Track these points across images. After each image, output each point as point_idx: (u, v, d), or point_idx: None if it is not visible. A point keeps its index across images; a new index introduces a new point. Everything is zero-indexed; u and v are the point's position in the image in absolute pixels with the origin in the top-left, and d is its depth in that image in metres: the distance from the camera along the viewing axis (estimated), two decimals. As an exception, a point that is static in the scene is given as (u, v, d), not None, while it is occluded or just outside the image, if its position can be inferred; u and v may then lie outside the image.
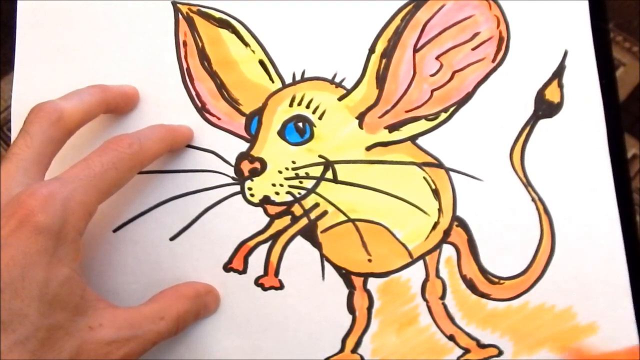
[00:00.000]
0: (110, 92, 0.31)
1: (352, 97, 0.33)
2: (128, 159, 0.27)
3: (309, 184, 0.32)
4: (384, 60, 0.33)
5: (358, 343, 0.32)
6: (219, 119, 0.33)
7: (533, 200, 0.32)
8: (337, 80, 0.33)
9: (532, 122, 0.32)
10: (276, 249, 0.32)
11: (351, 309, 0.32)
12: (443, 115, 0.32)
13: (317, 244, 0.32)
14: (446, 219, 0.32)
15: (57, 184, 0.25)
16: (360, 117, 0.33)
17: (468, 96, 0.32)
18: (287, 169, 0.32)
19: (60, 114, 0.27)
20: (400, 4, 0.33)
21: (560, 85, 0.32)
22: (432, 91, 0.32)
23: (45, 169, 0.27)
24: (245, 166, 0.32)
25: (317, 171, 0.32)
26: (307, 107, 0.33)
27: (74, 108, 0.28)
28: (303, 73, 0.33)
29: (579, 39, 0.33)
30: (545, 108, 0.32)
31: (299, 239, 0.32)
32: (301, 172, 0.32)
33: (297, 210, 0.32)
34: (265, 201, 0.32)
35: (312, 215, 0.32)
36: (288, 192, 0.32)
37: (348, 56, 0.33)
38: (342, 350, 0.32)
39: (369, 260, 0.32)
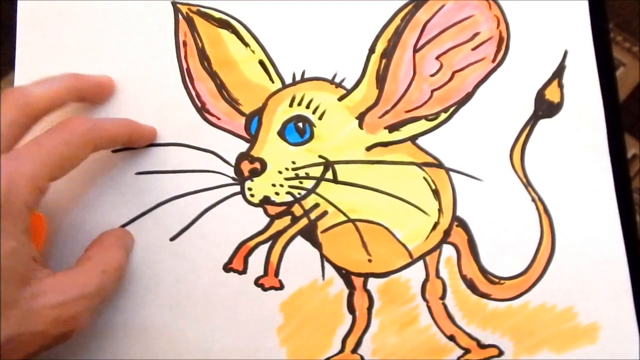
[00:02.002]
0: (83, 80, 0.31)
1: (352, 97, 0.33)
2: (80, 135, 0.28)
3: (309, 184, 0.32)
4: (384, 61, 0.33)
5: (358, 343, 0.32)
6: (218, 119, 0.33)
7: (533, 200, 0.32)
8: (337, 80, 0.33)
9: (532, 122, 0.32)
10: (276, 249, 0.32)
11: (351, 309, 0.32)
12: (443, 116, 0.32)
13: (317, 244, 0.32)
14: (446, 219, 0.32)
15: (4, 160, 0.26)
16: (360, 117, 0.33)
17: (468, 96, 0.32)
18: (287, 169, 0.32)
19: (25, 99, 0.28)
20: (400, 4, 0.33)
21: (560, 85, 0.33)
22: (432, 91, 0.32)
23: (7, 150, 0.28)
24: (245, 166, 0.32)
25: (317, 171, 0.32)
26: (307, 107, 0.33)
27: (41, 93, 0.28)
28: (303, 73, 0.33)
29: (579, 39, 0.33)
30: (545, 108, 0.32)
31: (299, 239, 0.32)
32: (301, 173, 0.32)
33: (297, 210, 0.32)
34: (265, 201, 0.32)
35: (312, 216, 0.32)
36: (288, 193, 0.32)
37: (348, 56, 0.33)
38: (342, 350, 0.32)
39: (369, 261, 0.32)
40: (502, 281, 0.32)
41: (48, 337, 0.26)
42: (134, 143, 0.32)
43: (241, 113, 0.33)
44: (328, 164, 0.32)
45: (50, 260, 0.32)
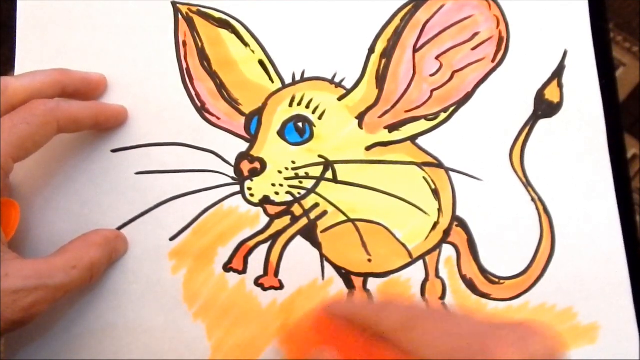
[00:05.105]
0: (69, 76, 0.31)
1: (352, 97, 0.33)
2: (41, 115, 0.28)
3: (308, 184, 0.32)
4: (383, 60, 0.33)
5: (358, 343, 0.32)
6: (218, 118, 0.33)
7: (533, 200, 0.32)
8: (337, 80, 0.33)
9: (531, 122, 0.32)
10: (276, 249, 0.32)
11: (351, 309, 0.32)
12: (443, 115, 0.32)
13: (317, 244, 0.32)
14: (446, 219, 0.32)
15: None
16: (360, 117, 0.33)
17: (468, 96, 0.32)
18: (286, 169, 0.32)
19: (4, 89, 0.28)
20: (399, 4, 0.33)
21: (560, 85, 0.33)
22: (432, 91, 0.32)
23: None
24: (245, 166, 0.32)
25: (317, 171, 0.32)
26: (307, 107, 0.33)
27: (21, 85, 0.29)
28: (303, 73, 0.33)
29: (578, 39, 0.33)
30: (544, 108, 0.32)
31: (298, 239, 0.32)
32: (301, 172, 0.32)
33: (297, 210, 0.32)
34: (265, 201, 0.32)
35: (312, 215, 0.32)
36: (288, 192, 0.32)
37: (348, 56, 0.33)
38: (342, 350, 0.32)
39: (369, 260, 0.32)
40: (501, 281, 0.32)
41: (5, 321, 0.25)
42: (103, 125, 0.32)
43: (241, 113, 0.33)
44: (328, 164, 0.32)
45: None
